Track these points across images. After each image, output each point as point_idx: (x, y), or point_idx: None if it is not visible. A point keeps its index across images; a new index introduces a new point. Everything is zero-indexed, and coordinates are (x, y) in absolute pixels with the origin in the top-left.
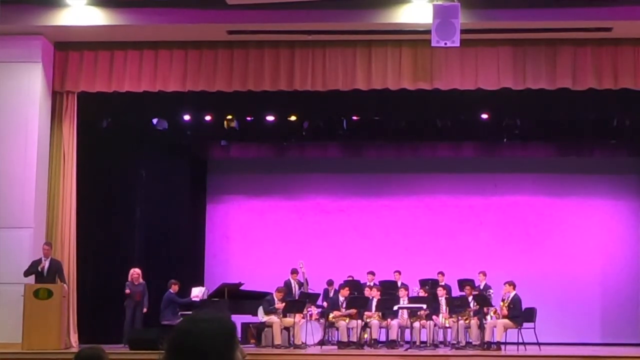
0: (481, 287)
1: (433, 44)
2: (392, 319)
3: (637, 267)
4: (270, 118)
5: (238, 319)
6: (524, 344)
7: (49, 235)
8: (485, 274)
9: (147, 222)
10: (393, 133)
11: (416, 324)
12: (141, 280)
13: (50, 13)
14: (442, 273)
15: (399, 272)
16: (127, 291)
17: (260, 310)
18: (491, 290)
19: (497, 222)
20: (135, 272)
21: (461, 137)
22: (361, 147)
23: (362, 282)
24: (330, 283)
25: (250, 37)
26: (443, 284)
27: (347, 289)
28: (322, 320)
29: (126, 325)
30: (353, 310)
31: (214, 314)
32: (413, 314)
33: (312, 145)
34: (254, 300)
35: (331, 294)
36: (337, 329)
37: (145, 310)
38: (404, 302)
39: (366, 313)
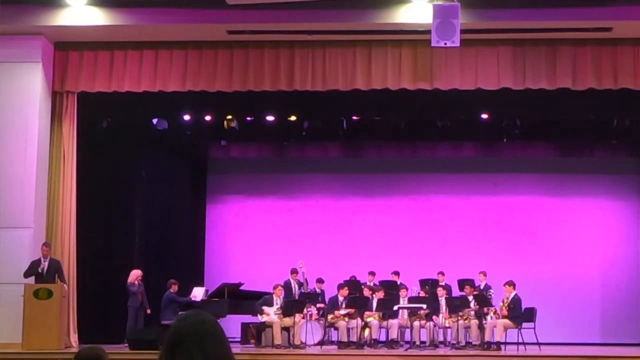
0: (481, 287)
1: (433, 44)
2: (392, 319)
3: (637, 267)
4: (270, 118)
5: (238, 319)
6: (524, 344)
7: (49, 235)
8: (485, 274)
9: (147, 222)
10: (393, 133)
11: (416, 324)
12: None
13: (50, 13)
14: (442, 273)
15: (397, 273)
16: (140, 298)
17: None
18: (491, 291)
19: (497, 222)
20: (138, 273)
21: (461, 137)
22: (361, 147)
23: (362, 282)
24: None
25: (250, 37)
26: (443, 284)
27: (346, 288)
28: (322, 320)
29: (129, 326)
30: (351, 310)
31: (202, 312)
32: (413, 314)
33: (312, 145)
34: (254, 300)
35: (318, 292)
36: (337, 329)
37: (149, 311)
38: (404, 302)
39: (366, 313)
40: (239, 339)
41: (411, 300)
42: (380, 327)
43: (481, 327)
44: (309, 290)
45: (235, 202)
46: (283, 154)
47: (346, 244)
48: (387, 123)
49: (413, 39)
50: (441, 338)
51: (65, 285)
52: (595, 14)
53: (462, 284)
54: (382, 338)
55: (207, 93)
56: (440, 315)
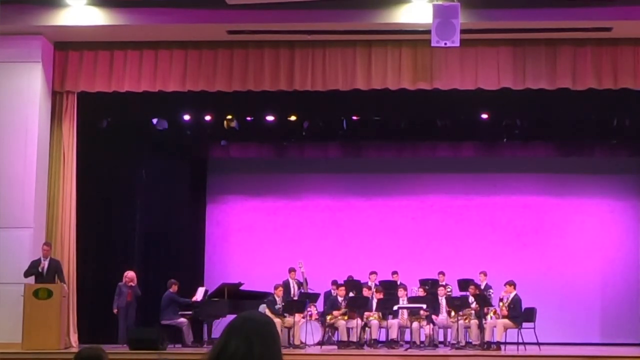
0: (482, 287)
1: (433, 44)
2: (392, 319)
3: (637, 267)
4: (270, 118)
5: None
6: (524, 344)
7: (49, 235)
8: (486, 274)
9: (147, 222)
10: (393, 133)
11: (416, 324)
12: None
13: (50, 13)
14: (442, 273)
15: (397, 273)
16: (128, 298)
17: (261, 310)
18: (491, 290)
19: (497, 222)
20: (131, 274)
21: (461, 137)
22: (361, 147)
23: (362, 282)
24: (334, 283)
25: (250, 37)
26: (444, 283)
27: (342, 288)
28: (322, 320)
29: (120, 325)
30: (347, 311)
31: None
32: (413, 314)
33: (312, 145)
34: (254, 300)
35: (334, 295)
36: (337, 329)
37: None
38: (403, 302)
39: (366, 313)
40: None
41: (411, 300)
42: (380, 327)
43: (481, 327)
44: (309, 290)
45: (235, 202)
46: (283, 154)
47: (346, 244)
48: (387, 123)
49: (413, 39)
50: (441, 338)
51: (64, 285)
52: (595, 14)
53: (463, 284)
54: (382, 338)
55: (207, 93)
56: (442, 315)
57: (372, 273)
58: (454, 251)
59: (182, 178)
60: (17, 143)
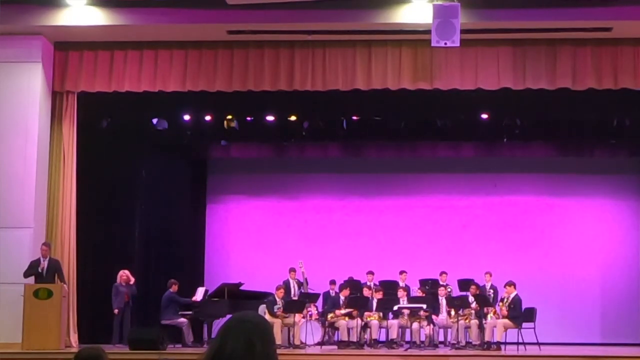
0: (487, 287)
1: (433, 44)
2: (392, 319)
3: (637, 267)
4: (270, 118)
5: None
6: (524, 344)
7: (49, 235)
8: (491, 274)
9: (147, 222)
10: (393, 133)
11: (416, 324)
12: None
13: (50, 13)
14: (445, 273)
15: (405, 272)
16: (125, 298)
17: (261, 310)
18: (492, 291)
19: (497, 222)
20: (125, 273)
21: (461, 137)
22: (361, 147)
23: (362, 282)
24: (333, 282)
25: (250, 37)
26: (444, 283)
27: (347, 289)
28: (322, 320)
29: (115, 325)
30: (351, 310)
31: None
32: (413, 314)
33: (312, 145)
34: (254, 300)
35: (332, 294)
36: (337, 328)
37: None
38: (403, 302)
39: (366, 313)
40: None
41: (411, 300)
42: (380, 327)
43: (481, 327)
44: (309, 290)
45: (235, 202)
46: (283, 154)
47: (346, 244)
48: (387, 123)
49: (413, 39)
50: (441, 338)
51: (65, 285)
52: (595, 14)
53: (462, 284)
54: (382, 338)
55: (207, 93)
56: (443, 315)
57: (369, 273)
58: (454, 251)
59: (182, 178)
60: (17, 143)
